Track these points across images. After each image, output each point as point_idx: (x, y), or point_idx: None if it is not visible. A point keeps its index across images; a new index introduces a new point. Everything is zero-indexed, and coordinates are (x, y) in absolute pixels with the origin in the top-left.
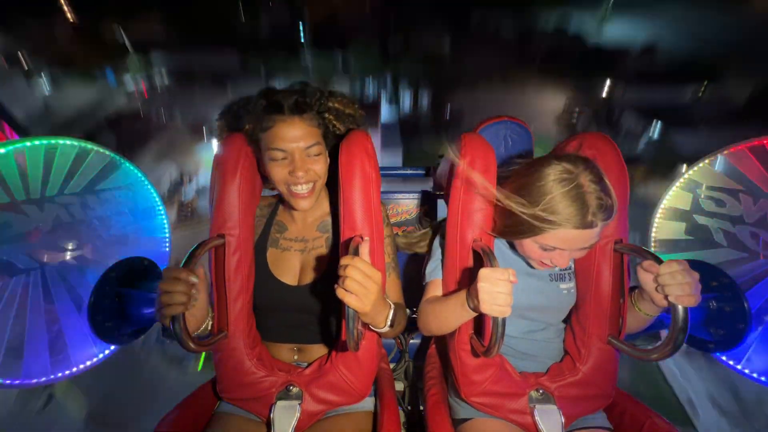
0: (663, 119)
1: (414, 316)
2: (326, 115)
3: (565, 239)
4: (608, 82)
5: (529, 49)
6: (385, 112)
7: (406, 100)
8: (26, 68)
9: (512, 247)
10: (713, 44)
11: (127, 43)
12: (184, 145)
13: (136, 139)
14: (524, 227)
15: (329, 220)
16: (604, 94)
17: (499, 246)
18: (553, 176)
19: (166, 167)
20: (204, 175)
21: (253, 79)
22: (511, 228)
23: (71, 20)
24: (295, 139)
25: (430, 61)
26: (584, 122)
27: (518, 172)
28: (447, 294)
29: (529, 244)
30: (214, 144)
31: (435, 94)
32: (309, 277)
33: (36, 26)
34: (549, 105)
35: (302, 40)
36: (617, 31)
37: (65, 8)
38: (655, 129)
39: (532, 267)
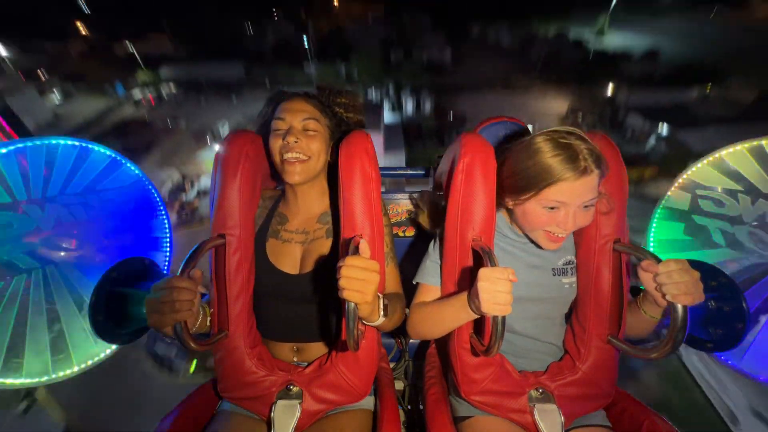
0: (668, 120)
1: None
2: (336, 108)
3: (564, 190)
4: (611, 84)
5: (530, 56)
6: (387, 119)
7: (408, 108)
8: (43, 80)
9: (519, 236)
10: (714, 50)
11: (137, 58)
12: (188, 151)
13: (140, 144)
14: (527, 181)
15: (330, 212)
16: (608, 94)
17: (500, 244)
18: (541, 138)
19: (168, 172)
20: (206, 180)
21: (258, 89)
22: (516, 184)
23: (85, 36)
24: (295, 110)
25: (432, 70)
26: (590, 123)
27: (511, 150)
28: (446, 296)
29: (533, 210)
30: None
31: (437, 102)
32: (310, 266)
33: (53, 45)
34: (552, 107)
35: (306, 46)
36: (617, 41)
37: (80, 28)
38: (662, 129)
39: (539, 248)
